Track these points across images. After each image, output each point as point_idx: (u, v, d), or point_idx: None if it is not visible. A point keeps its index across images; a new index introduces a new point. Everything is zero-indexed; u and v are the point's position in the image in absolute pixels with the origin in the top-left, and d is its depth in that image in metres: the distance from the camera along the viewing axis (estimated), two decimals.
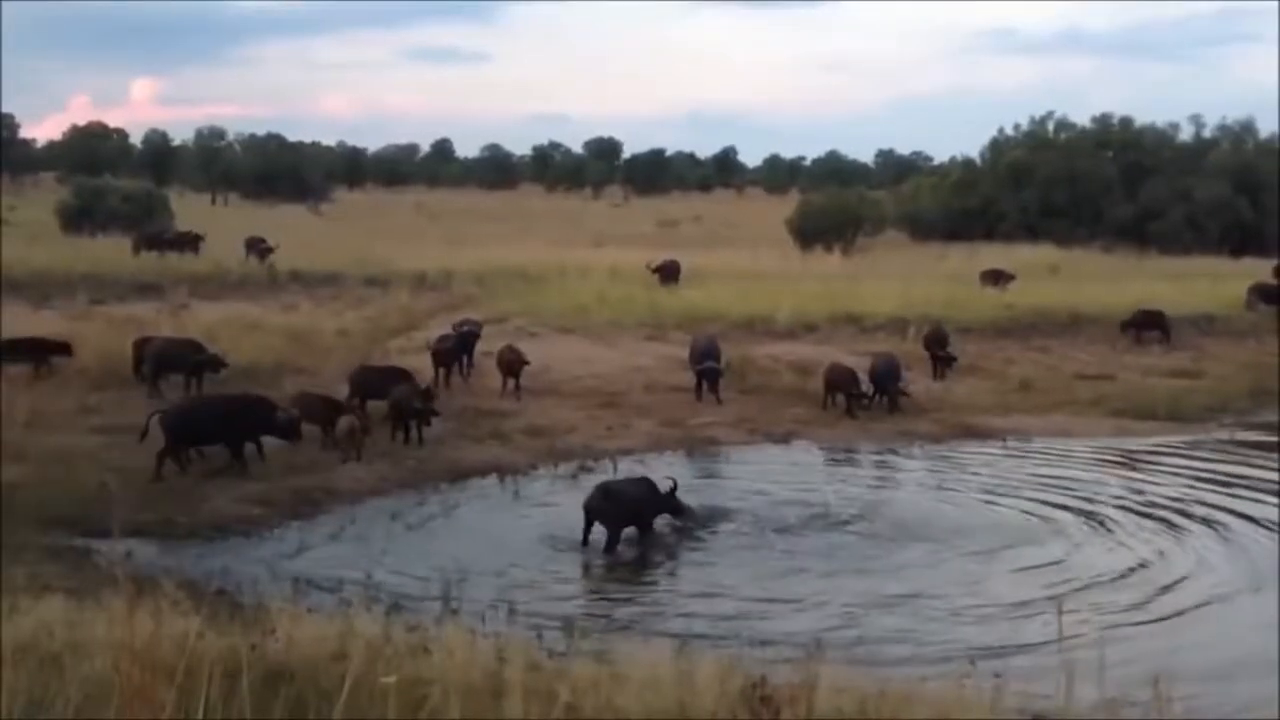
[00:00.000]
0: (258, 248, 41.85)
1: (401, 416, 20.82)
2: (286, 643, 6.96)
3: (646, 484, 16.58)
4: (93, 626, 7.37)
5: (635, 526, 16.24)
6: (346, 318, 32.89)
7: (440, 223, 70.79)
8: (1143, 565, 15.78)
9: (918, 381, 26.19)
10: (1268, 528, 17.38)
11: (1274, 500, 18.65)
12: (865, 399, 24.33)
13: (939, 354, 27.56)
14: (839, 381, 24.49)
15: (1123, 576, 15.28)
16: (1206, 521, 17.75)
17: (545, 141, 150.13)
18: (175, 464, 18.52)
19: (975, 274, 40.22)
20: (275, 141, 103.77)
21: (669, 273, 38.42)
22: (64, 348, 25.22)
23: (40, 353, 25.11)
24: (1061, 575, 15.23)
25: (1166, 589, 14.82)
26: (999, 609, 14.02)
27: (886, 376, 24.64)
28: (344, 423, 20.29)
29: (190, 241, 44.88)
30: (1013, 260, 44.77)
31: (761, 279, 39.21)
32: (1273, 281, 38.37)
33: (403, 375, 22.44)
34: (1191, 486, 19.78)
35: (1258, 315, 34.61)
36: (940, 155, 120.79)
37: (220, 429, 19.01)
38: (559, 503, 18.49)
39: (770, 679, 6.16)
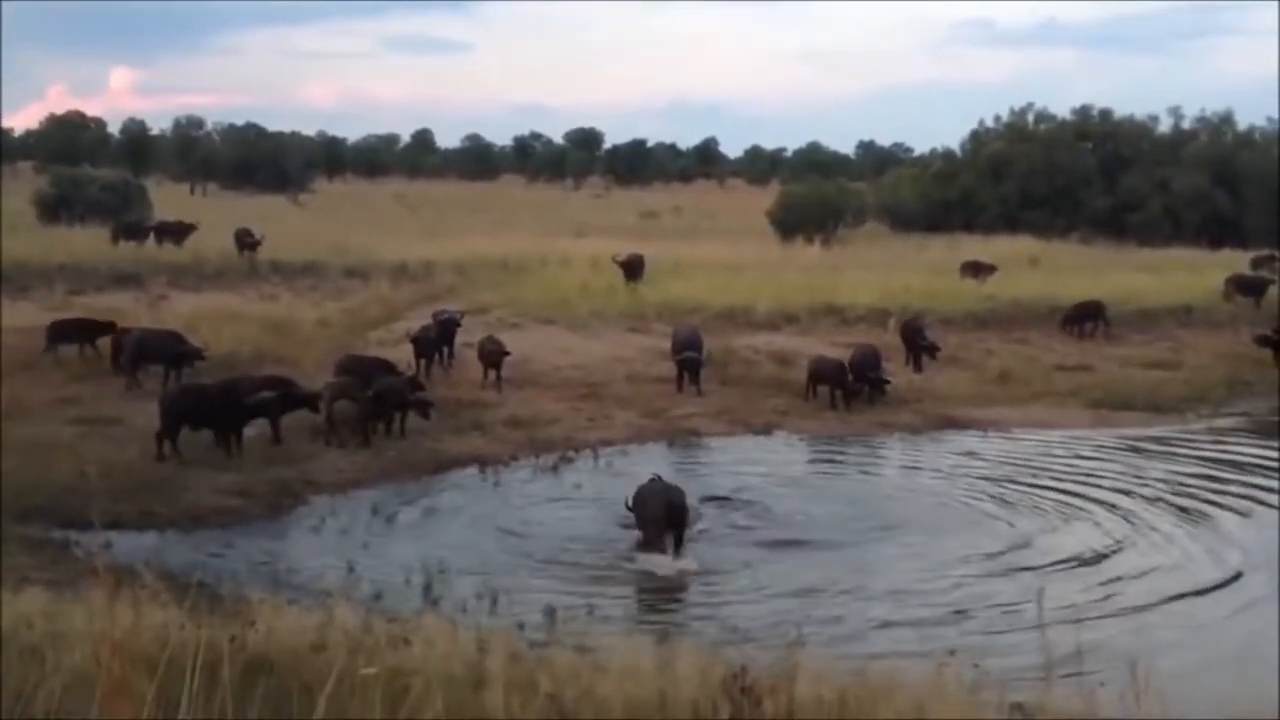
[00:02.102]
0: (243, 241, 41.59)
1: (388, 407, 20.78)
2: (267, 634, 6.96)
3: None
4: (72, 618, 7.35)
5: None
6: (326, 308, 32.80)
7: (420, 213, 70.59)
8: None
9: (898, 374, 26.27)
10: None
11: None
12: (854, 391, 24.30)
13: (920, 343, 27.56)
14: (824, 374, 24.53)
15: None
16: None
17: (526, 132, 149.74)
18: (173, 448, 18.68)
19: (955, 265, 40.28)
20: (254, 131, 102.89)
21: (633, 268, 36.65)
22: (110, 327, 25.26)
23: (88, 333, 25.18)
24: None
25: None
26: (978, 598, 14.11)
27: (865, 367, 24.71)
28: (341, 408, 20.33)
29: (178, 231, 44.58)
30: (992, 252, 44.89)
31: (742, 270, 39.23)
32: (1250, 273, 38.60)
33: (387, 366, 22.45)
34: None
35: (1235, 306, 34.79)
36: (921, 147, 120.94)
37: (218, 413, 19.16)
38: (540, 494, 18.55)
39: (751, 669, 6.18)
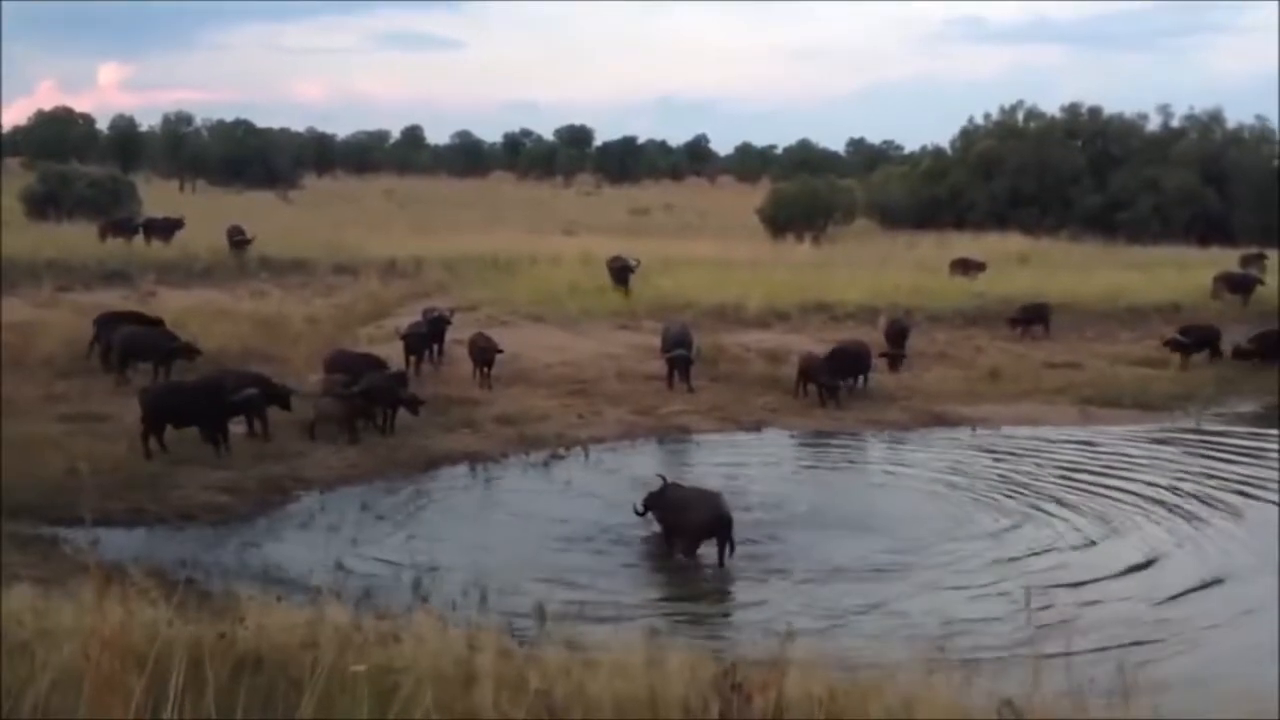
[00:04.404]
0: (235, 239, 41.41)
1: (376, 404, 20.74)
2: (256, 631, 6.93)
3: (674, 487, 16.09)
4: (61, 615, 7.32)
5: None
6: (316, 305, 32.74)
7: (410, 210, 70.48)
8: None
9: (881, 371, 26.38)
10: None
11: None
12: (839, 387, 24.36)
13: (892, 352, 27.47)
14: (813, 370, 24.56)
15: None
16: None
17: (516, 129, 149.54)
18: (159, 445, 18.65)
19: (945, 263, 40.33)
20: (243, 127, 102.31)
21: (618, 275, 34.70)
22: (158, 322, 25.35)
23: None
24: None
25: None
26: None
27: (851, 361, 24.81)
28: (325, 404, 20.31)
29: (167, 228, 44.42)
30: (982, 249, 44.97)
31: (732, 267, 39.24)
32: (1239, 270, 38.71)
33: (376, 363, 22.45)
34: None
35: (1223, 304, 34.88)
36: (911, 144, 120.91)
37: (199, 411, 19.11)
38: (530, 490, 18.55)
39: (741, 666, 6.19)
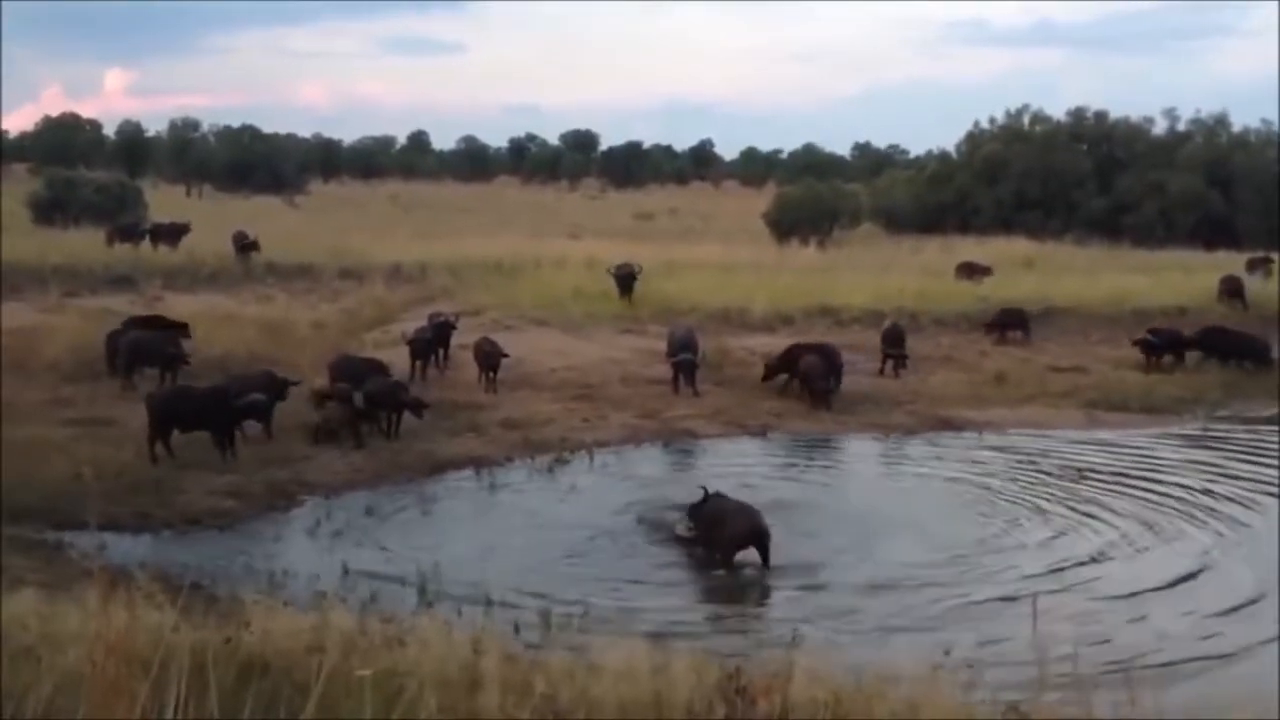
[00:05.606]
0: (241, 243, 41.42)
1: (379, 408, 20.76)
2: (261, 636, 6.94)
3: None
4: (66, 620, 7.34)
5: None
6: (321, 310, 32.79)
7: (416, 215, 70.58)
8: None
9: (886, 374, 26.40)
10: None
11: None
12: (835, 390, 24.46)
13: (892, 352, 27.46)
14: (813, 374, 24.58)
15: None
16: None
17: (521, 133, 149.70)
18: (165, 449, 18.69)
19: (950, 267, 40.32)
20: (249, 132, 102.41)
21: (624, 284, 33.96)
22: (183, 327, 25.40)
23: (160, 329, 25.07)
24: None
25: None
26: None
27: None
28: (329, 409, 20.33)
29: (173, 233, 44.46)
30: (987, 253, 44.93)
31: (737, 271, 39.23)
32: (1245, 274, 38.63)
33: (379, 367, 22.49)
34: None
35: (1229, 307, 34.81)
36: (916, 148, 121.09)
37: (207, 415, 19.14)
38: (535, 494, 18.55)
39: (746, 670, 6.19)
